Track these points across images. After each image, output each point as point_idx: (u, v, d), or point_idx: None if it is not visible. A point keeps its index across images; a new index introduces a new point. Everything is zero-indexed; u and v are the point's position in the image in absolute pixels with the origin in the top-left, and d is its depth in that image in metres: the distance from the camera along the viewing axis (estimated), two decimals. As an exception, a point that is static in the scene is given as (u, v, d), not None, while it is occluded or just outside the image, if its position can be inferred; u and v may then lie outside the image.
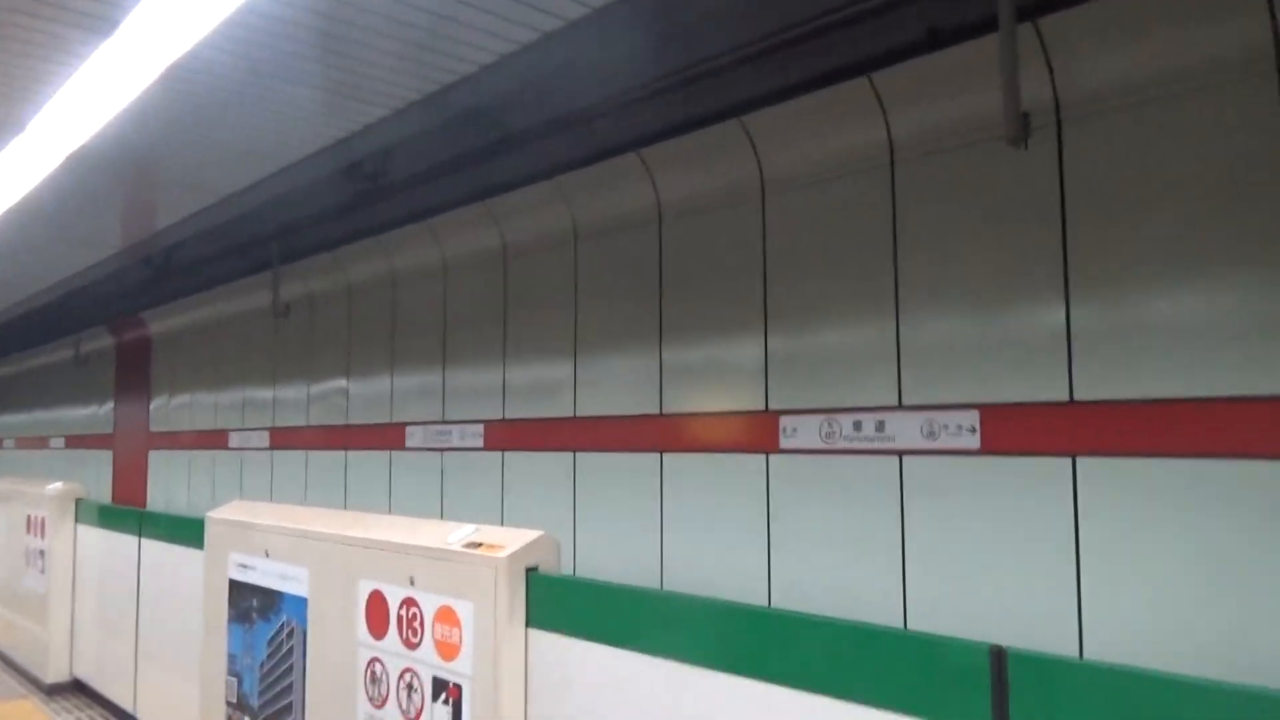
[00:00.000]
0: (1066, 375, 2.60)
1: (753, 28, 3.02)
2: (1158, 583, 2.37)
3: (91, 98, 3.16)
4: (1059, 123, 2.65)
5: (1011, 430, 2.69)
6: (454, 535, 2.55)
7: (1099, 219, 2.56)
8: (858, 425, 3.05)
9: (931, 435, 2.86)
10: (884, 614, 2.87)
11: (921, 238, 2.94)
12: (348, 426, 5.54)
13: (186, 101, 3.23)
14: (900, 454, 2.93)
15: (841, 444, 3.08)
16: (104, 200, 4.68)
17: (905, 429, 2.92)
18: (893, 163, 3.02)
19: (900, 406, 2.95)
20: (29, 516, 6.86)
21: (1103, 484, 2.50)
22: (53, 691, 6.24)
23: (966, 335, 2.81)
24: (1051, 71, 2.62)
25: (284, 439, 6.13)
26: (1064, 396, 2.60)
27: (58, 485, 6.56)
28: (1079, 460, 2.55)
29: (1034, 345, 2.66)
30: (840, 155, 3.14)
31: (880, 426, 2.99)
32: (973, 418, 2.78)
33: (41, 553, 6.58)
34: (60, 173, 4.02)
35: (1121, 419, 2.48)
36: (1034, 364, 2.66)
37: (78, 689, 6.26)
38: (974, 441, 2.76)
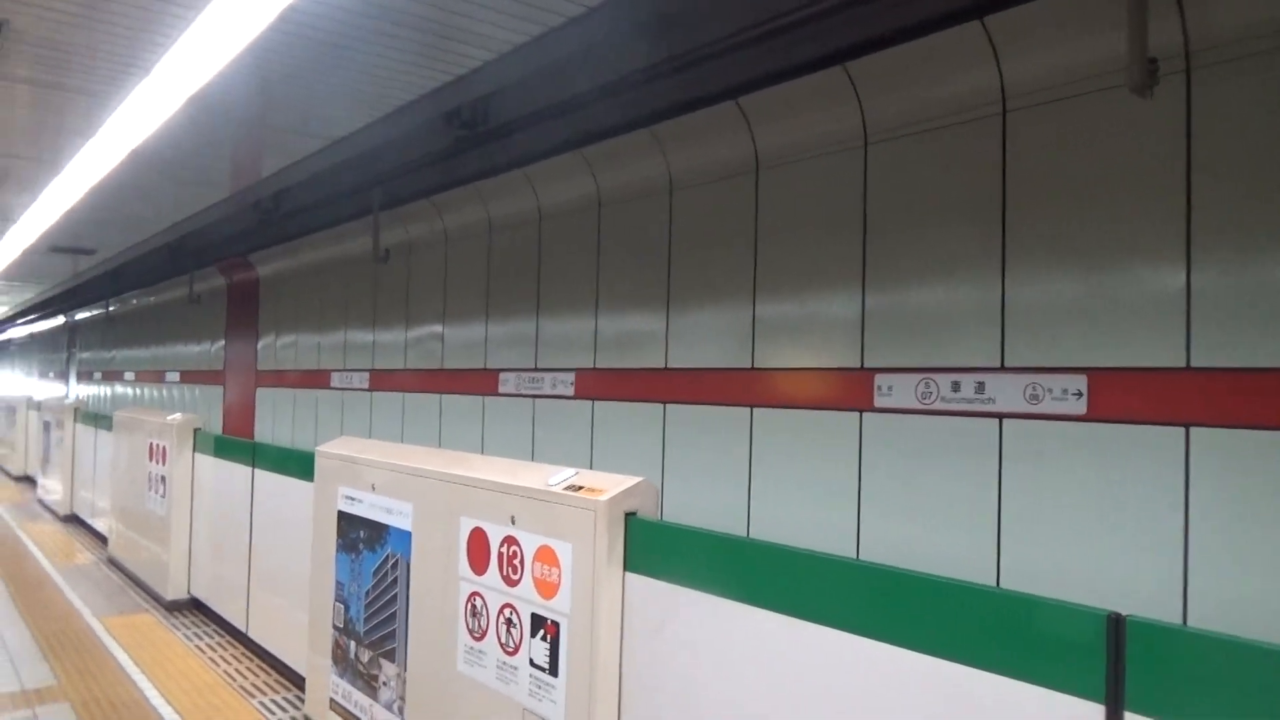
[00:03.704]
0: (1184, 340, 2.48)
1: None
2: (1272, 564, 2.27)
3: (211, 41, 3.28)
4: (1188, 70, 2.48)
5: (1121, 396, 2.59)
6: (555, 478, 2.63)
7: (1227, 175, 2.41)
8: (956, 386, 2.98)
9: (1034, 399, 2.78)
10: (976, 579, 2.83)
11: (1032, 193, 2.82)
12: (443, 371, 5.71)
13: (297, 44, 3.33)
14: (1000, 417, 2.86)
15: (939, 405, 3.02)
16: (218, 145, 4.87)
17: (1007, 391, 2.85)
18: (1004, 112, 2.89)
19: (1002, 368, 2.87)
20: (151, 444, 7.34)
21: (1218, 456, 2.39)
22: (172, 608, 6.73)
23: (1076, 295, 2.70)
24: (1182, 11, 2.45)
25: (382, 381, 6.36)
26: (1180, 362, 2.49)
27: (178, 416, 7.00)
28: (1192, 430, 2.45)
29: (1149, 308, 2.54)
30: (949, 102, 3.02)
31: (980, 388, 2.92)
32: (1080, 381, 2.69)
33: (163, 479, 7.04)
34: (179, 116, 4.19)
35: (1243, 388, 2.36)
36: (1148, 328, 2.53)
37: (195, 606, 6.73)
38: (1080, 407, 2.67)
